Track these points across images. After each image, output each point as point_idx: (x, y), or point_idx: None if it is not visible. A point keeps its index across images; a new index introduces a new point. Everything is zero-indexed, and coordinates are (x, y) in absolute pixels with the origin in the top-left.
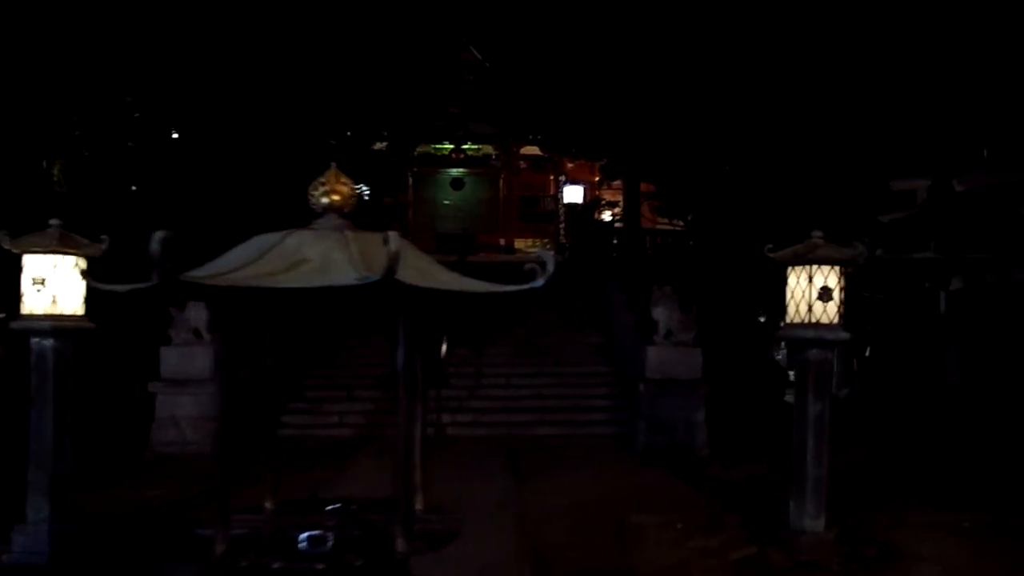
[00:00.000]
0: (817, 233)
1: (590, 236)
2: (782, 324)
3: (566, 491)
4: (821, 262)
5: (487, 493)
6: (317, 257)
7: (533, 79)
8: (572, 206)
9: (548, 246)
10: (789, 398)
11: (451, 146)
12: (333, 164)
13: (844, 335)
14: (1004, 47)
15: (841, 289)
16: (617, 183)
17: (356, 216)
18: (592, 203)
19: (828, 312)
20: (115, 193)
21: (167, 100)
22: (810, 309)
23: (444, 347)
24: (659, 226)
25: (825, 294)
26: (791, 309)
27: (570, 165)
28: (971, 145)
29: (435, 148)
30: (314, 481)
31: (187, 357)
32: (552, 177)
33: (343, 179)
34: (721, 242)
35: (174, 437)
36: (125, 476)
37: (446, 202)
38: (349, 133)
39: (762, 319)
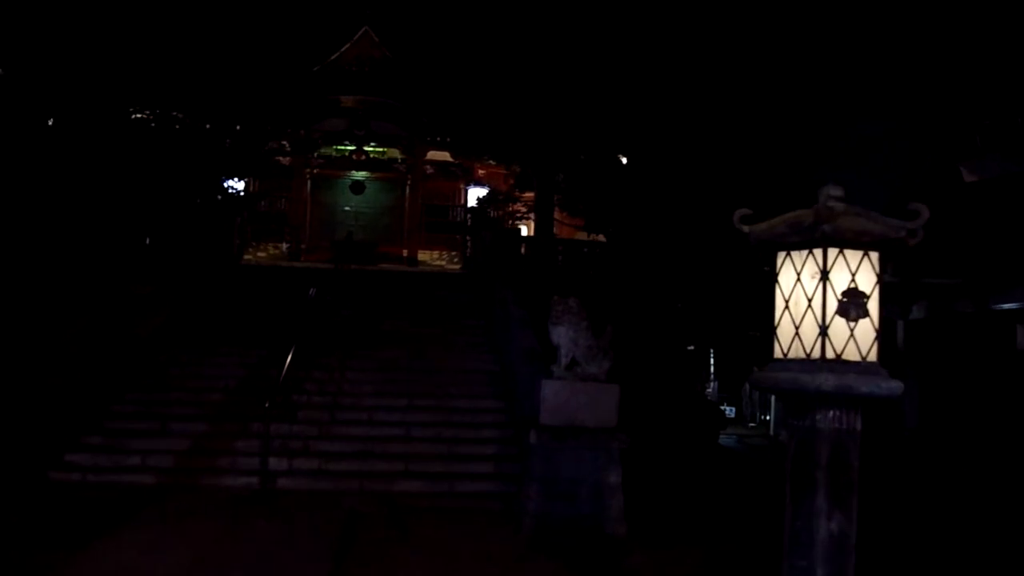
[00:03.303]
0: (833, 191)
1: (494, 236)
2: (774, 360)
3: None
4: (845, 243)
5: None
6: None
7: (442, 74)
8: (472, 208)
9: (456, 259)
10: (726, 441)
11: (352, 147)
12: None
13: (893, 384)
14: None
15: (880, 296)
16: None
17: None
18: (488, 198)
19: (861, 338)
20: None
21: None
22: (824, 332)
23: (288, 359)
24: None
25: (854, 304)
26: (784, 332)
27: (482, 172)
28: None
29: (336, 149)
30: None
31: None
32: (462, 185)
33: None
34: (642, 255)
35: None
36: None
37: (346, 208)
38: (238, 127)
39: (691, 347)
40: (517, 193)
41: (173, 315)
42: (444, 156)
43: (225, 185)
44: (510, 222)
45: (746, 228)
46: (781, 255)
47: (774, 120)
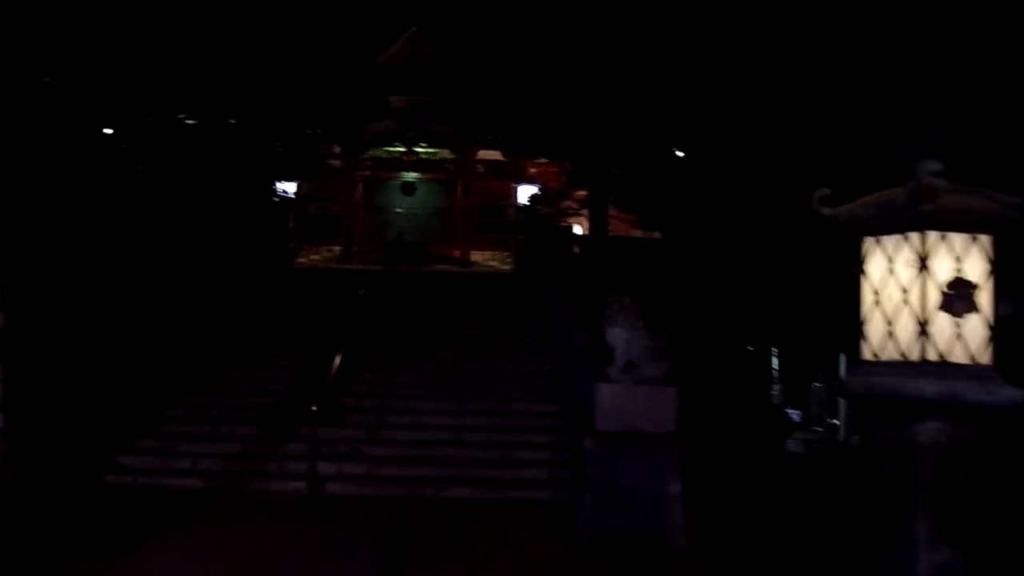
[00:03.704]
0: (932, 165)
1: (546, 235)
2: (860, 362)
3: None
4: (949, 225)
5: None
6: None
7: (491, 71)
8: (524, 207)
9: (508, 259)
10: (792, 447)
11: (402, 148)
12: None
13: (1009, 392)
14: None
15: (993, 287)
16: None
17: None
18: (539, 196)
19: (969, 336)
20: None
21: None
22: (923, 330)
23: (337, 361)
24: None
25: (960, 296)
26: (874, 330)
27: (533, 170)
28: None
29: (386, 151)
30: None
31: None
32: (514, 184)
33: None
34: (699, 252)
35: None
36: None
37: (398, 210)
38: (288, 131)
39: (752, 347)
40: (570, 190)
41: (225, 318)
42: (495, 155)
43: (277, 188)
44: (563, 220)
45: (827, 211)
46: (868, 241)
47: (847, 101)
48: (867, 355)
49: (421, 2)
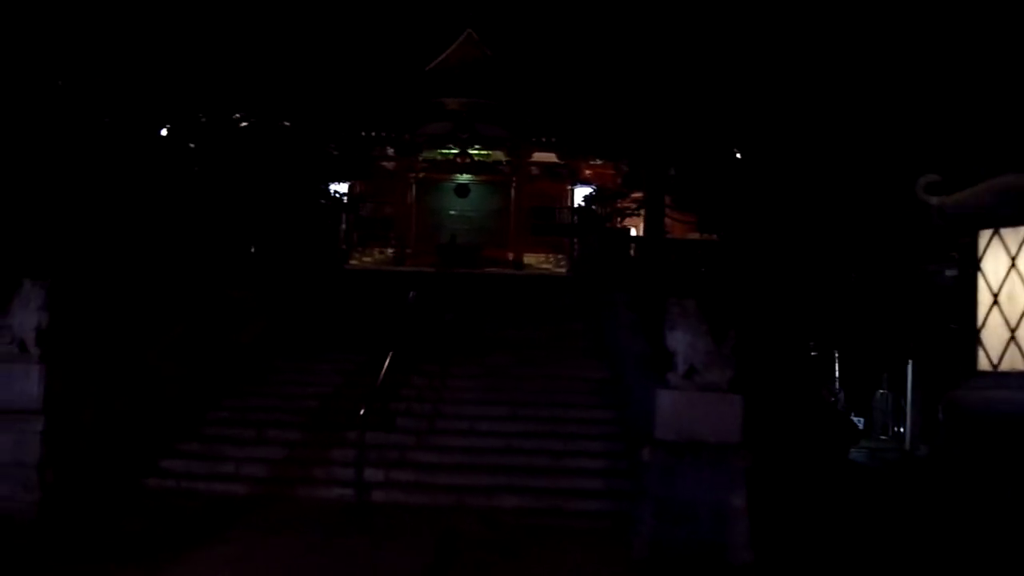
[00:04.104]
0: None
1: (602, 237)
2: (975, 373)
3: None
4: None
5: None
6: None
7: (545, 71)
8: (578, 209)
9: (562, 262)
10: (856, 455)
11: (456, 150)
12: None
13: None
14: None
15: None
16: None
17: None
18: (594, 197)
19: None
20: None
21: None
22: None
23: (386, 365)
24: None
25: None
26: (992, 336)
27: (588, 172)
28: None
29: (440, 153)
30: None
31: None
32: (568, 186)
33: None
34: (759, 253)
35: None
36: None
37: (451, 212)
38: (343, 132)
39: (814, 352)
40: (626, 191)
41: (274, 320)
42: (549, 157)
43: (330, 190)
44: (618, 220)
45: (934, 200)
46: (986, 234)
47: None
48: (984, 364)
49: (476, 5)
